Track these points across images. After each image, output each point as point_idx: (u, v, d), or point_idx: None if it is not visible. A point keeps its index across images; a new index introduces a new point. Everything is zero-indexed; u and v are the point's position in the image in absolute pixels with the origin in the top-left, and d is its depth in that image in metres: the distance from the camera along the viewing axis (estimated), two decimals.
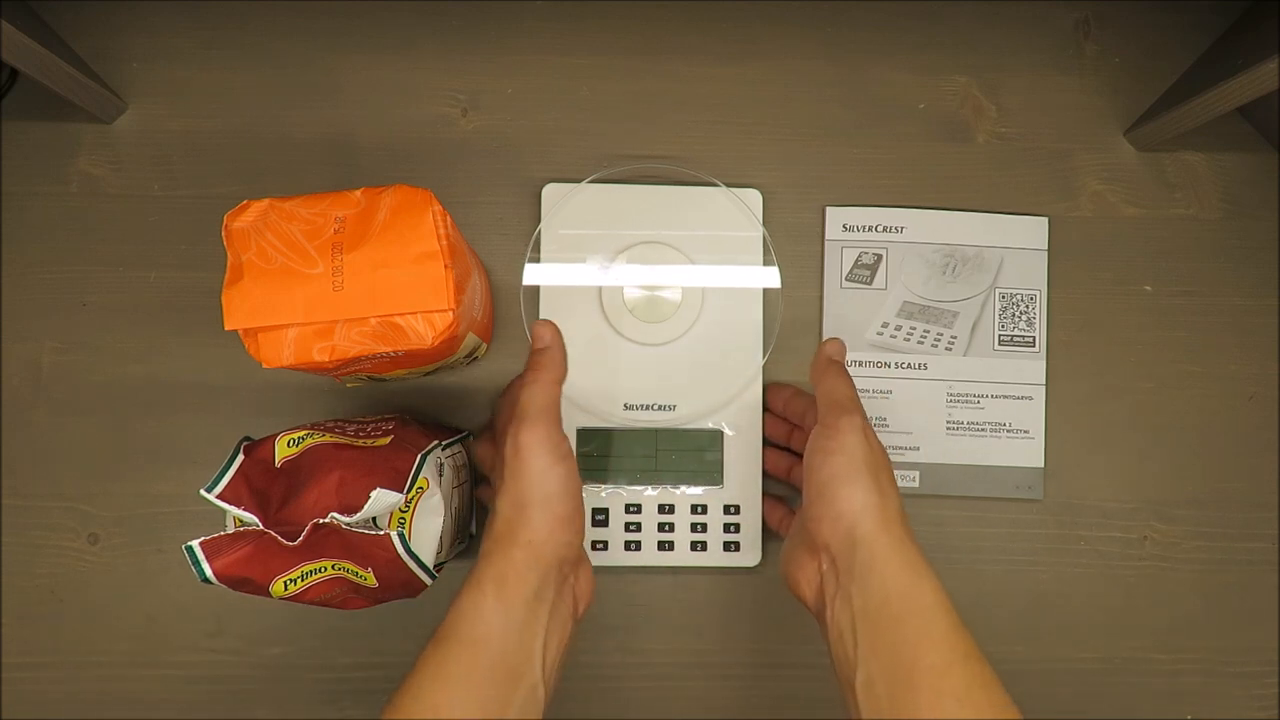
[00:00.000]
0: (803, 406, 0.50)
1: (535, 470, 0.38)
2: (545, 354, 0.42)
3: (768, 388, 0.53)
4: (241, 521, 0.37)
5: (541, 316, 0.52)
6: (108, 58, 0.54)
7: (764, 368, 0.53)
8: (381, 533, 0.37)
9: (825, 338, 0.52)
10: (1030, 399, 0.54)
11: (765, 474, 0.53)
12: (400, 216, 0.38)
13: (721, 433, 0.52)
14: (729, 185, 0.54)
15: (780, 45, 0.56)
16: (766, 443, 0.53)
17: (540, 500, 0.38)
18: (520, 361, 0.53)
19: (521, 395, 0.40)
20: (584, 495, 0.51)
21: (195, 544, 0.36)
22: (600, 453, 0.52)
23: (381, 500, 0.36)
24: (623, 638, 0.53)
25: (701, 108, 0.55)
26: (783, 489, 0.53)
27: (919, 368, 0.54)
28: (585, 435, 0.52)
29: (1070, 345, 0.55)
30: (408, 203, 0.39)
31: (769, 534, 0.53)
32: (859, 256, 0.55)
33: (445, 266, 0.38)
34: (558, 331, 0.43)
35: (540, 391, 0.40)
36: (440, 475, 0.43)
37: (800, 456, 0.51)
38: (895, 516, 0.39)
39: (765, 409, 0.53)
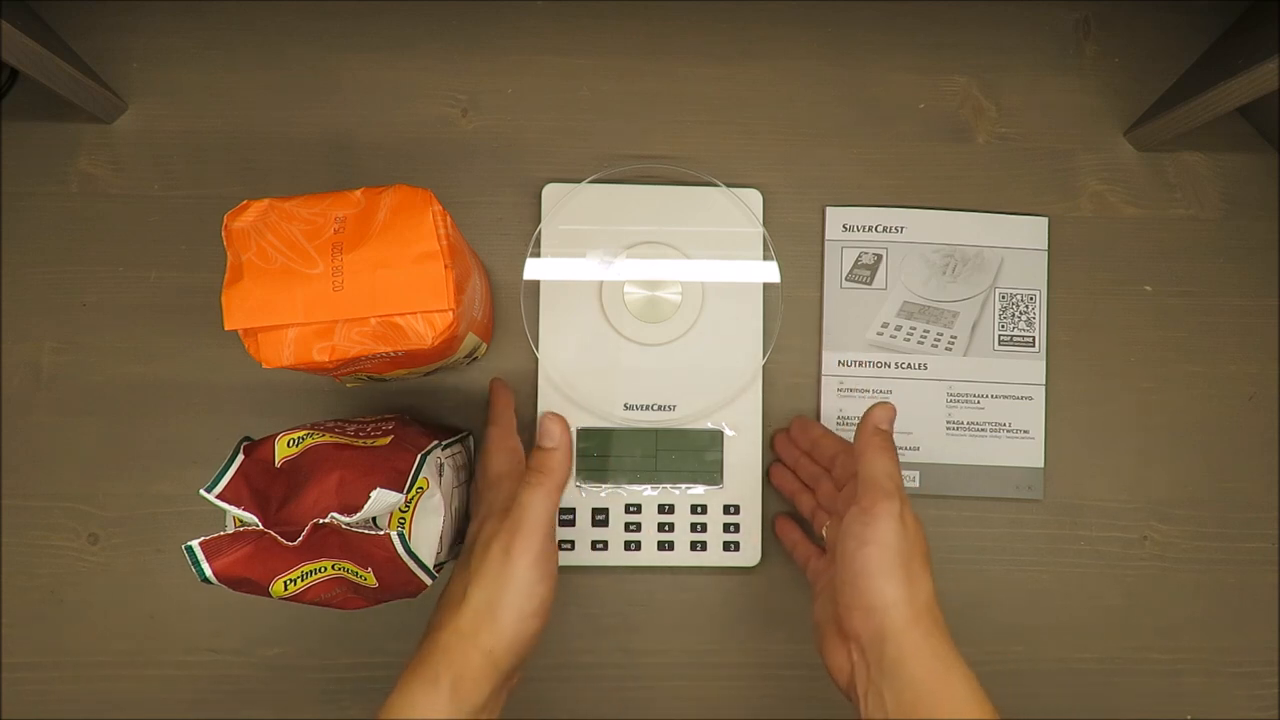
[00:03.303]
0: (832, 450, 0.49)
1: (520, 584, 0.39)
2: (552, 456, 0.43)
3: (794, 420, 0.52)
4: (241, 521, 0.37)
5: (542, 317, 0.52)
6: (108, 58, 0.54)
7: (764, 368, 0.53)
8: (381, 533, 0.37)
9: (873, 404, 0.46)
10: (1030, 399, 0.54)
11: (766, 478, 0.53)
12: (400, 216, 0.38)
13: (721, 433, 0.52)
14: (729, 185, 0.54)
15: (780, 45, 0.56)
16: (776, 459, 0.53)
17: (515, 614, 0.39)
18: (519, 363, 0.53)
19: (522, 497, 0.41)
20: (584, 495, 0.52)
21: (195, 544, 0.36)
22: (600, 453, 0.52)
23: (381, 500, 0.36)
24: (623, 638, 0.53)
25: (701, 108, 0.55)
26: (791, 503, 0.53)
27: (919, 368, 0.54)
28: (585, 435, 0.52)
29: (1070, 345, 0.55)
30: (408, 203, 0.39)
31: (768, 534, 0.53)
32: (859, 256, 0.55)
33: (445, 266, 0.38)
34: (567, 429, 0.44)
35: (542, 500, 0.41)
36: (440, 475, 0.43)
37: (807, 485, 0.50)
38: (924, 607, 0.39)
39: (778, 431, 0.53)
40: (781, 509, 0.53)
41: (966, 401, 0.54)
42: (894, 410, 0.44)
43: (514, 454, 0.46)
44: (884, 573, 0.38)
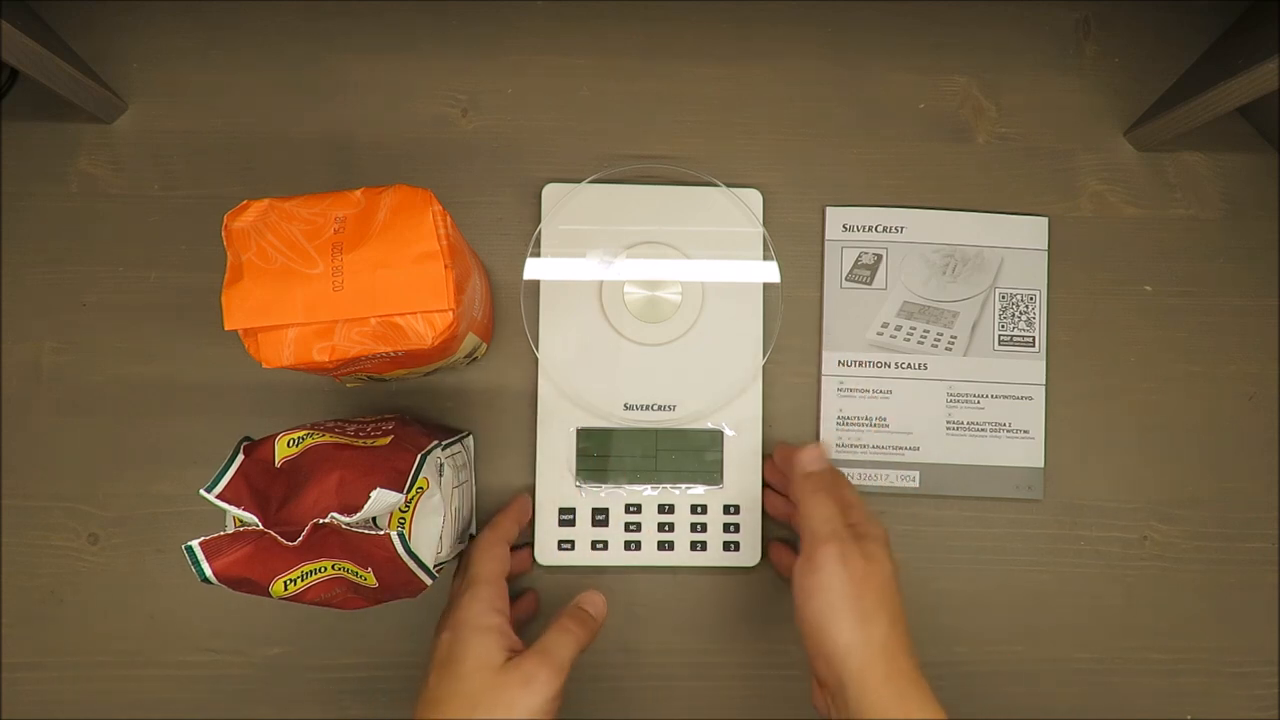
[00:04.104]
0: None
1: (464, 625, 0.41)
2: (593, 622, 0.44)
3: (776, 448, 0.52)
4: (241, 521, 0.37)
5: (542, 317, 0.52)
6: (108, 58, 0.54)
7: (764, 368, 0.53)
8: (381, 533, 0.37)
9: (818, 438, 0.46)
10: (1030, 399, 0.54)
11: (764, 479, 0.53)
12: (400, 216, 0.38)
13: (721, 433, 0.52)
14: (729, 185, 0.54)
15: (780, 45, 0.56)
16: (765, 484, 0.53)
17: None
18: (519, 363, 0.53)
19: (554, 638, 0.42)
20: (584, 495, 0.52)
21: (195, 544, 0.36)
22: (600, 453, 0.52)
23: (381, 500, 0.36)
24: (623, 638, 0.53)
25: (701, 108, 0.55)
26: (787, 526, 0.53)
27: (919, 368, 0.54)
28: (585, 435, 0.52)
29: (1070, 345, 0.55)
30: (408, 203, 0.39)
31: (769, 534, 0.53)
32: (859, 256, 0.55)
33: (445, 266, 0.38)
34: (605, 607, 0.46)
35: (571, 643, 0.42)
36: (440, 475, 0.43)
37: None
38: (880, 647, 0.38)
39: (767, 457, 0.53)
40: (775, 531, 0.53)
41: (966, 401, 0.54)
42: (821, 449, 0.45)
43: (499, 561, 0.45)
44: (833, 619, 0.39)
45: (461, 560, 0.47)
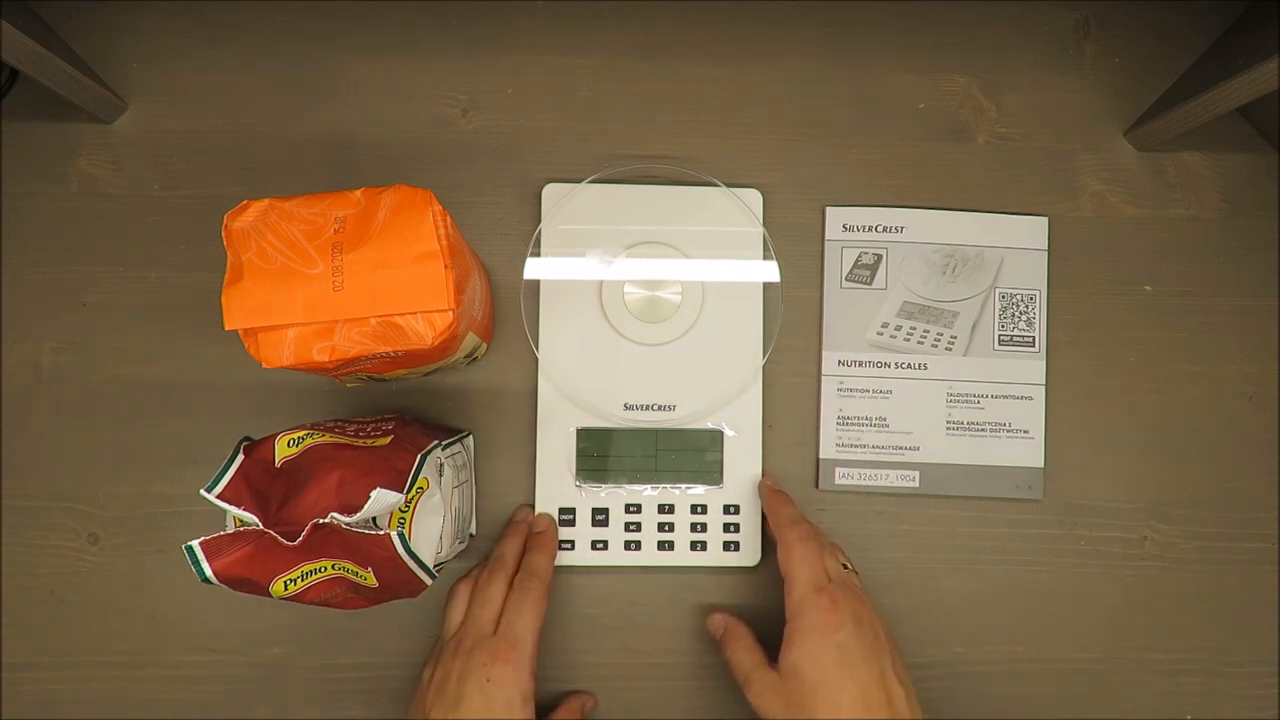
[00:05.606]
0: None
1: (499, 704, 0.42)
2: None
3: (764, 483, 0.52)
4: (241, 521, 0.37)
5: (542, 317, 0.52)
6: (108, 58, 0.54)
7: (764, 368, 0.53)
8: (381, 533, 0.37)
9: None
10: (1030, 399, 0.54)
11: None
12: (400, 216, 0.38)
13: (721, 433, 0.52)
14: (729, 185, 0.54)
15: (780, 45, 0.56)
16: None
17: None
18: (519, 363, 0.53)
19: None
20: (584, 495, 0.52)
21: (195, 544, 0.36)
22: (600, 453, 0.52)
23: (381, 500, 0.36)
24: (623, 638, 0.53)
25: (701, 108, 0.55)
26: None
27: (919, 368, 0.54)
28: (585, 435, 0.52)
29: (1070, 345, 0.55)
30: (408, 203, 0.39)
31: (768, 534, 0.53)
32: (859, 256, 0.55)
33: (445, 266, 0.38)
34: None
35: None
36: (440, 475, 0.43)
37: None
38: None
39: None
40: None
41: (966, 401, 0.54)
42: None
43: (541, 618, 0.46)
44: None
45: (495, 596, 0.46)
